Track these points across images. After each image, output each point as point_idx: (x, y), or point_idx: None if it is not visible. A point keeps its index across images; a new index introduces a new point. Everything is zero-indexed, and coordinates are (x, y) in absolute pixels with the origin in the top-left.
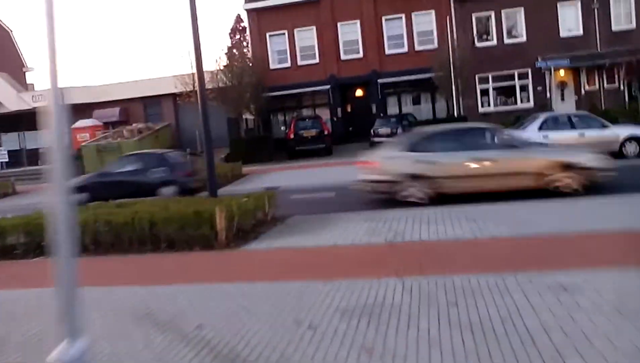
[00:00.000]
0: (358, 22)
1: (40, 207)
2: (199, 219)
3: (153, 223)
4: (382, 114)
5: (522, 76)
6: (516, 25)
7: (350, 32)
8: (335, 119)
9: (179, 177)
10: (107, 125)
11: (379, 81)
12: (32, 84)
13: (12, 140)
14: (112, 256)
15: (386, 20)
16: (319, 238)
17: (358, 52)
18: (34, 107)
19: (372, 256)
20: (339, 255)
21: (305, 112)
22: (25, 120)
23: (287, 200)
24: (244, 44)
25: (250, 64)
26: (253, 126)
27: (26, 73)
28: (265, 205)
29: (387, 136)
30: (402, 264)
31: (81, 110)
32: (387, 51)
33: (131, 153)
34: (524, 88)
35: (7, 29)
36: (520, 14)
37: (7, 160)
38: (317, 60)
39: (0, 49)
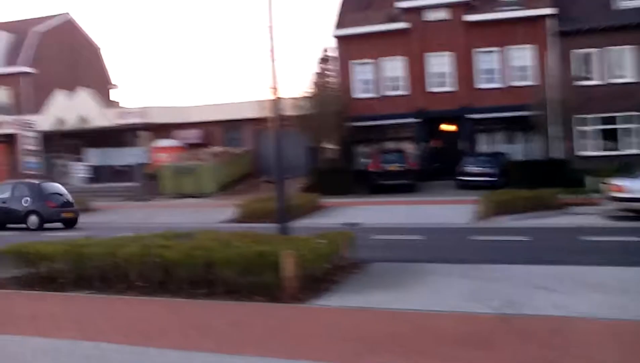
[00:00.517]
0: (448, 54)
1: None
2: (263, 263)
3: (209, 264)
4: (471, 152)
5: (627, 120)
6: (622, 64)
7: (439, 63)
8: (420, 154)
9: (43, 207)
10: (186, 146)
11: (469, 116)
12: (117, 102)
13: (93, 156)
14: (159, 298)
15: (479, 53)
16: (405, 298)
17: (447, 85)
18: (117, 124)
19: (479, 334)
20: (432, 328)
21: (389, 144)
22: (108, 136)
23: (368, 241)
24: (330, 72)
25: (335, 93)
26: (334, 156)
27: (110, 90)
28: (342, 247)
29: (477, 175)
30: (524, 354)
31: (162, 130)
32: (479, 85)
33: (11, 181)
34: (628, 132)
35: (95, 46)
36: (626, 53)
37: (86, 175)
38: (403, 91)
39: (88, 66)
